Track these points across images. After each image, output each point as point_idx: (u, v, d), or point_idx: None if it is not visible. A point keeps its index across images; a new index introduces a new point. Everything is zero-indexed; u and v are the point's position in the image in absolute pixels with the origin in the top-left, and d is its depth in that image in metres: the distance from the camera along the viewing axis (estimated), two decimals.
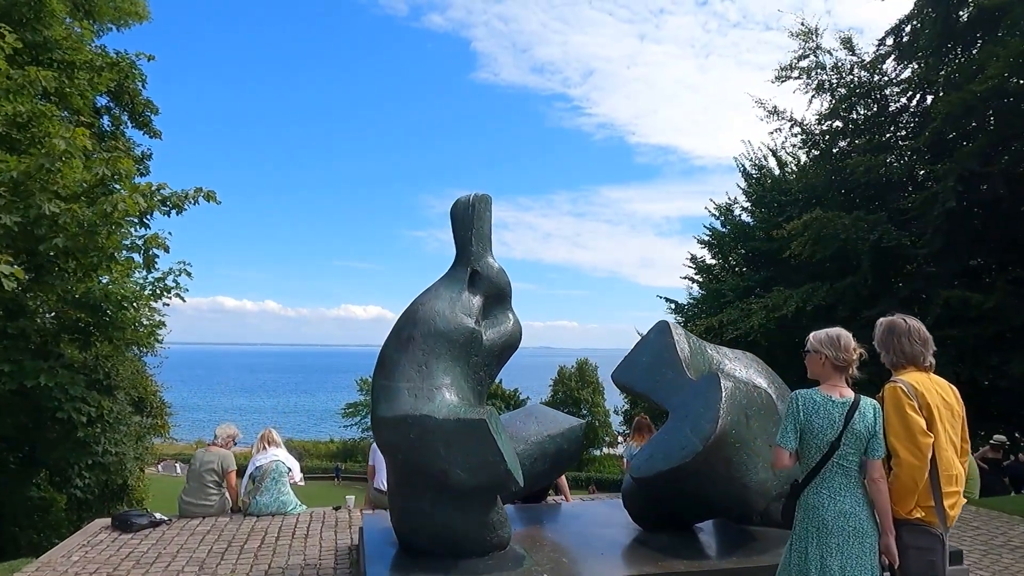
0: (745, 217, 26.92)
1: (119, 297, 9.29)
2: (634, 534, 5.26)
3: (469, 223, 5.14)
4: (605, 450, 56.70)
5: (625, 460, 8.23)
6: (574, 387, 55.94)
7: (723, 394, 4.76)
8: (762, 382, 5.60)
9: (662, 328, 5.87)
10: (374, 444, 7.48)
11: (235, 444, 7.31)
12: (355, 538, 6.05)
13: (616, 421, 54.07)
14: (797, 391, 3.26)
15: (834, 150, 21.67)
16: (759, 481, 4.76)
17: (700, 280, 28.13)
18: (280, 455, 7.08)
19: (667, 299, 29.09)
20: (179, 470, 49.44)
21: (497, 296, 5.20)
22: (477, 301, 5.04)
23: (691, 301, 28.14)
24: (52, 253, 8.13)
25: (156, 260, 8.69)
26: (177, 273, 9.84)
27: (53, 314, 9.90)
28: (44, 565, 5.35)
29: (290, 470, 7.08)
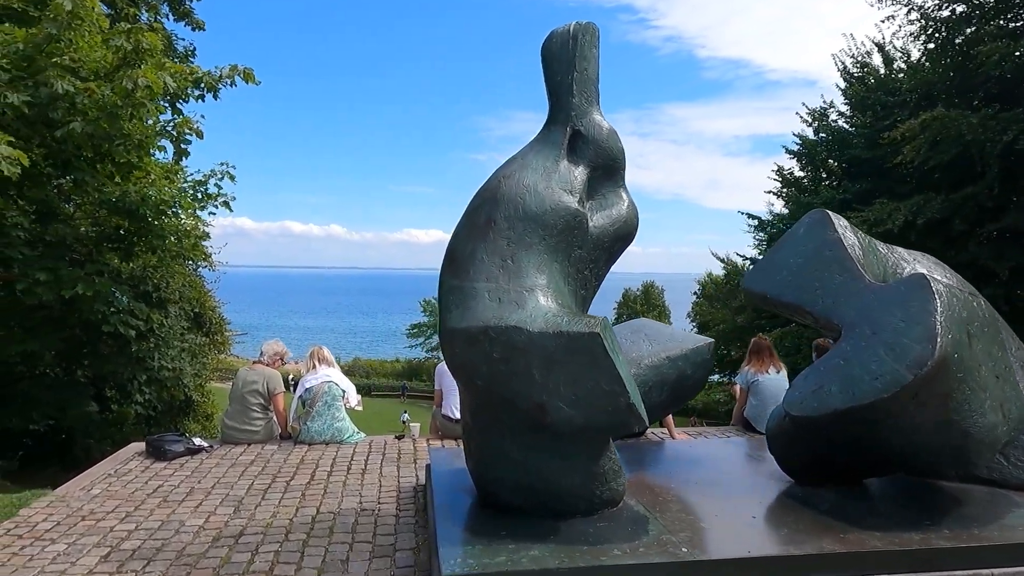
0: (842, 124, 24.14)
1: (157, 201, 8.33)
2: (783, 487, 3.98)
3: (568, 63, 3.69)
4: None
5: (738, 387, 6.90)
6: (639, 310, 54.42)
7: (937, 302, 3.31)
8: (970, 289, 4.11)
9: (819, 219, 4.39)
10: (440, 365, 6.37)
11: (283, 363, 6.34)
12: (421, 476, 5.02)
13: None
14: None
15: (957, 40, 18.68)
16: (986, 426, 3.36)
17: (787, 194, 25.72)
18: (333, 375, 6.07)
19: (749, 215, 26.88)
20: None
21: (607, 168, 3.80)
22: (580, 174, 3.66)
23: (775, 217, 25.88)
24: (75, 144, 7.15)
25: (188, 146, 7.59)
26: (219, 176, 8.79)
27: (91, 221, 9.10)
28: (58, 499, 4.53)
29: (345, 393, 6.07)
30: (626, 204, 3.86)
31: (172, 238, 8.96)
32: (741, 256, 29.26)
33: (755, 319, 28.62)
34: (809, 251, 4.27)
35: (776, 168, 26.76)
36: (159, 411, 12.28)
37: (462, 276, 3.36)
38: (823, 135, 25.00)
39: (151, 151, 8.01)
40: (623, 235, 3.83)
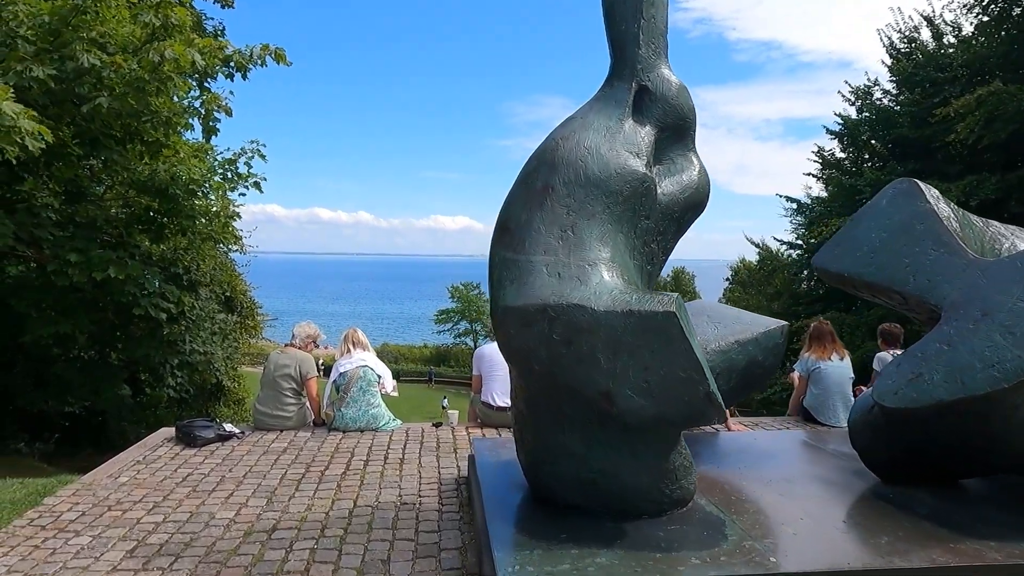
0: (886, 102, 23.17)
1: (187, 181, 8.13)
2: (869, 485, 3.58)
3: (634, 10, 3.29)
4: None
5: (797, 376, 6.48)
6: None
7: None
8: None
9: (905, 189, 3.95)
10: (479, 350, 6.05)
11: (316, 346, 6.07)
12: (463, 467, 4.71)
13: None
14: None
15: (1015, 10, 17.76)
16: None
17: (827, 177, 24.84)
18: (368, 360, 5.78)
19: (788, 198, 26.05)
20: None
21: (676, 128, 3.40)
22: (647, 135, 3.27)
23: (814, 200, 25.03)
24: (103, 122, 6.95)
25: (218, 125, 7.34)
26: (249, 155, 8.54)
27: (121, 202, 8.95)
28: (84, 487, 4.32)
29: (380, 378, 5.79)
30: (697, 169, 3.46)
31: (202, 219, 8.76)
32: (778, 241, 28.45)
33: (791, 306, 27.84)
34: (895, 225, 3.82)
35: (816, 149, 25.86)
36: (191, 395, 12.24)
37: (517, 248, 3.01)
38: (866, 114, 24.04)
39: (179, 129, 7.78)
40: (694, 204, 3.43)
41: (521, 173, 3.23)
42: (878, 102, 23.39)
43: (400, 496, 4.18)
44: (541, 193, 3.08)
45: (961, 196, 17.21)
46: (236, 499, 4.09)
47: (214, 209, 9.06)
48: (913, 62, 21.75)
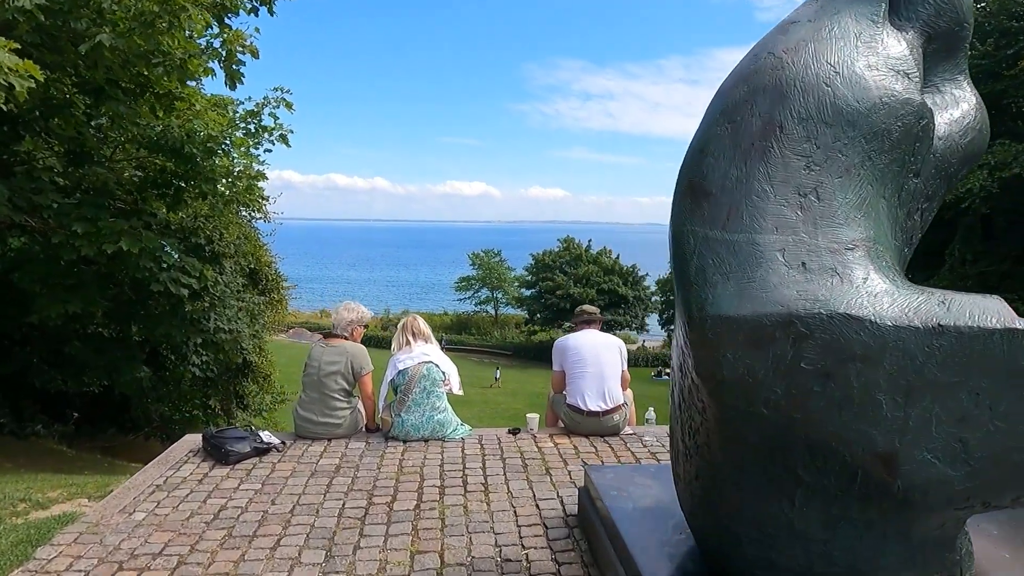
0: None
1: (205, 138, 7.07)
2: None
3: None
4: None
5: None
6: None
7: None
8: None
9: None
10: (562, 341, 5.03)
11: (365, 329, 5.03)
12: (565, 498, 3.71)
13: None
14: None
15: None
16: None
17: None
18: (432, 354, 4.75)
19: None
20: (309, 335, 51.33)
21: (947, 38, 2.26)
22: (913, 45, 2.13)
23: None
24: (106, 67, 5.88)
25: (242, 70, 6.22)
26: (275, 104, 7.44)
27: (134, 164, 7.93)
28: (91, 528, 3.36)
29: (446, 375, 4.77)
30: (975, 101, 2.33)
31: (224, 181, 7.74)
32: None
33: None
34: None
35: None
36: (216, 373, 11.39)
37: (727, 223, 1.93)
38: None
39: (197, 76, 6.71)
40: (973, 154, 2.31)
41: (717, 103, 2.12)
42: None
43: (497, 546, 3.18)
44: (762, 135, 1.97)
45: None
46: (285, 551, 3.11)
47: (237, 170, 8.01)
48: (982, 10, 19.99)
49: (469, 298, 60.16)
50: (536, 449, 4.55)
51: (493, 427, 5.14)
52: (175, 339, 8.97)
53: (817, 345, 1.76)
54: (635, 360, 45.43)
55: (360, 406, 4.85)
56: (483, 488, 3.85)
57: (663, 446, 4.62)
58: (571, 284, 44.62)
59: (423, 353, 4.71)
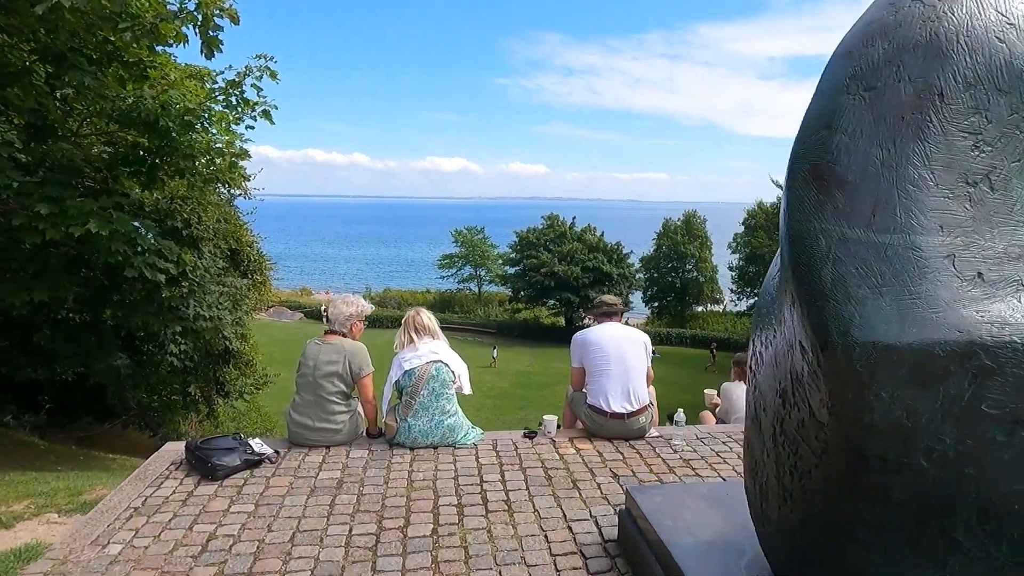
0: None
1: (182, 110, 6.47)
2: None
3: None
4: (710, 307, 53.86)
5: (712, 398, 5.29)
6: (680, 240, 52.08)
7: None
8: None
9: None
10: (583, 335, 4.60)
11: (365, 325, 4.55)
12: (598, 516, 3.31)
13: (725, 277, 50.53)
14: None
15: None
16: None
17: None
18: (441, 352, 4.30)
19: None
20: (290, 314, 50.39)
21: None
22: None
23: None
24: (68, 32, 5.26)
25: (220, 35, 5.62)
26: (257, 74, 6.82)
27: (103, 139, 7.30)
28: (58, 566, 2.89)
29: (457, 376, 4.33)
30: None
31: (203, 159, 7.14)
32: None
33: None
34: None
35: None
36: (196, 361, 10.84)
37: (870, 219, 1.49)
38: None
39: (169, 42, 6.08)
40: None
41: (841, 66, 1.67)
42: None
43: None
44: (915, 105, 1.53)
45: None
46: None
47: (217, 146, 7.40)
48: None
49: (452, 275, 59.60)
50: (557, 456, 4.14)
51: (506, 430, 4.72)
52: (152, 327, 8.42)
53: (1007, 383, 1.35)
54: None
55: (360, 409, 4.40)
56: (506, 507, 3.44)
57: (695, 451, 4.24)
58: (555, 262, 44.26)
59: (431, 351, 4.25)
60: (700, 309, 54.08)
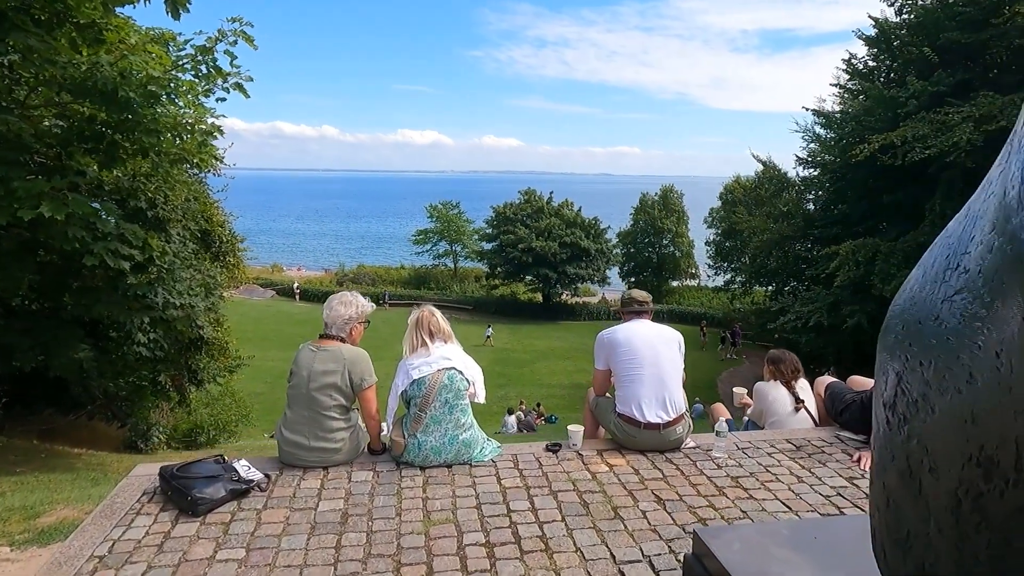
0: (930, 3, 20.85)
1: (144, 79, 5.75)
2: None
3: None
4: (686, 282, 54.02)
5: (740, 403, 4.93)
6: (657, 215, 51.91)
7: None
8: None
9: None
10: (609, 334, 4.14)
11: (366, 326, 3.98)
12: (652, 556, 2.85)
13: (702, 252, 50.53)
14: None
15: None
16: None
17: (861, 87, 22.71)
18: (454, 357, 3.77)
19: (817, 111, 23.94)
20: (262, 291, 49.14)
21: None
22: None
23: (843, 114, 22.99)
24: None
25: None
26: (232, 39, 6.10)
27: (55, 111, 6.53)
28: None
29: (471, 384, 3.81)
30: None
31: (169, 135, 6.42)
32: (797, 158, 26.56)
33: (805, 228, 26.27)
34: None
35: (847, 57, 23.63)
36: (166, 350, 10.15)
37: None
38: (906, 16, 21.74)
39: (127, 1, 5.35)
40: None
41: None
42: (923, 2, 21.07)
43: None
44: None
45: None
46: None
47: (186, 121, 6.67)
48: None
49: (427, 251, 58.72)
50: (589, 475, 3.67)
51: (526, 442, 4.24)
52: (118, 318, 7.73)
53: None
54: (597, 314, 45.33)
55: (361, 421, 3.87)
56: (543, 544, 2.96)
57: (739, 465, 3.81)
58: (533, 237, 43.74)
59: (443, 357, 3.73)
60: (676, 284, 54.25)
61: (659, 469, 3.74)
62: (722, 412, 5.04)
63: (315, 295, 46.87)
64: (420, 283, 55.42)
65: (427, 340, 3.76)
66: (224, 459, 3.53)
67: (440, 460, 3.70)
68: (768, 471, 3.73)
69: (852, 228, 22.39)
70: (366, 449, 3.88)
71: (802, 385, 4.53)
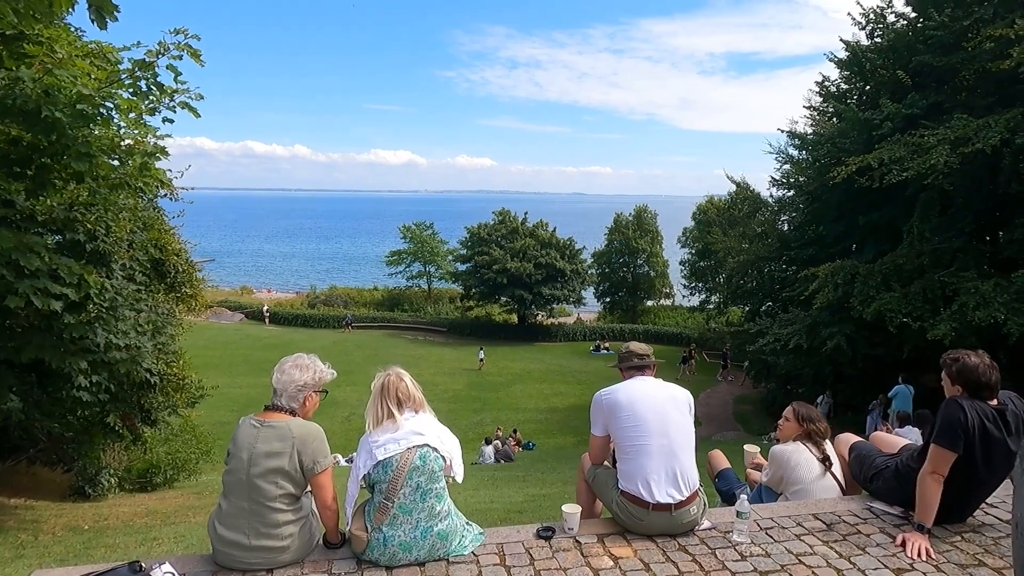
0: (901, 26, 21.01)
1: (74, 97, 5.07)
2: None
3: None
4: (660, 302, 53.89)
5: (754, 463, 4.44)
6: (631, 235, 51.79)
7: None
8: None
9: None
10: (609, 395, 3.53)
11: (323, 397, 3.33)
12: None
13: (676, 273, 50.40)
14: None
15: None
16: None
17: (835, 109, 22.73)
18: (427, 432, 3.13)
19: (791, 133, 23.92)
20: (230, 315, 47.53)
21: None
22: None
23: (817, 136, 22.97)
24: None
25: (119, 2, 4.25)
26: (176, 54, 5.44)
27: None
28: None
29: (448, 461, 3.18)
30: None
31: (105, 158, 5.72)
32: (773, 179, 26.53)
33: (780, 249, 26.15)
34: None
35: (820, 79, 23.73)
36: (113, 392, 9.29)
37: None
38: (879, 40, 21.87)
39: (47, 5, 4.68)
40: None
41: None
42: (894, 26, 21.21)
43: None
44: None
45: (1006, 132, 15.35)
46: None
47: (125, 143, 5.96)
48: None
49: (401, 272, 57.83)
50: (590, 572, 3.06)
51: (514, 525, 3.59)
52: (51, 363, 6.93)
53: None
54: (572, 335, 44.79)
55: (315, 506, 3.21)
56: None
57: (765, 552, 3.23)
58: (508, 258, 43.22)
59: (414, 432, 3.09)
60: (651, 303, 54.15)
61: (673, 562, 3.14)
62: (722, 461, 4.48)
63: (285, 318, 45.62)
64: (393, 304, 54.46)
65: (394, 411, 3.12)
66: (141, 566, 2.84)
67: (410, 558, 3.05)
68: (801, 561, 3.15)
69: (828, 249, 22.30)
70: (320, 542, 3.22)
71: (827, 445, 3.99)
